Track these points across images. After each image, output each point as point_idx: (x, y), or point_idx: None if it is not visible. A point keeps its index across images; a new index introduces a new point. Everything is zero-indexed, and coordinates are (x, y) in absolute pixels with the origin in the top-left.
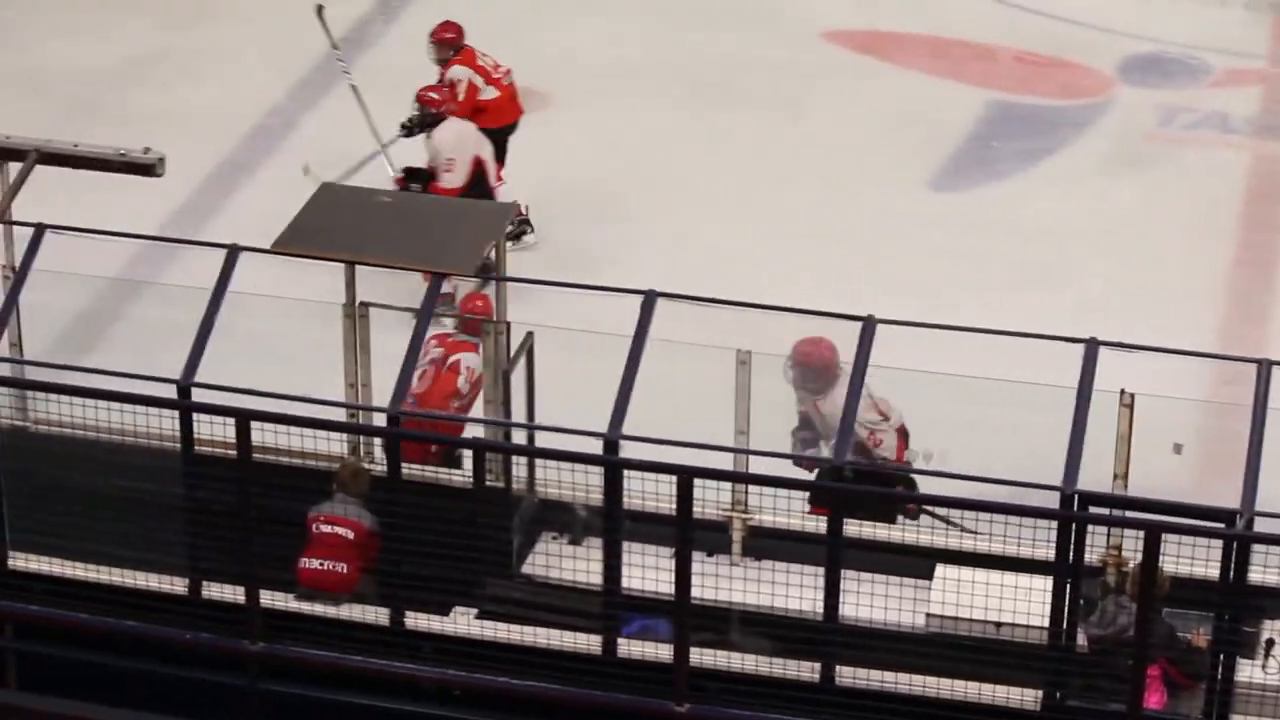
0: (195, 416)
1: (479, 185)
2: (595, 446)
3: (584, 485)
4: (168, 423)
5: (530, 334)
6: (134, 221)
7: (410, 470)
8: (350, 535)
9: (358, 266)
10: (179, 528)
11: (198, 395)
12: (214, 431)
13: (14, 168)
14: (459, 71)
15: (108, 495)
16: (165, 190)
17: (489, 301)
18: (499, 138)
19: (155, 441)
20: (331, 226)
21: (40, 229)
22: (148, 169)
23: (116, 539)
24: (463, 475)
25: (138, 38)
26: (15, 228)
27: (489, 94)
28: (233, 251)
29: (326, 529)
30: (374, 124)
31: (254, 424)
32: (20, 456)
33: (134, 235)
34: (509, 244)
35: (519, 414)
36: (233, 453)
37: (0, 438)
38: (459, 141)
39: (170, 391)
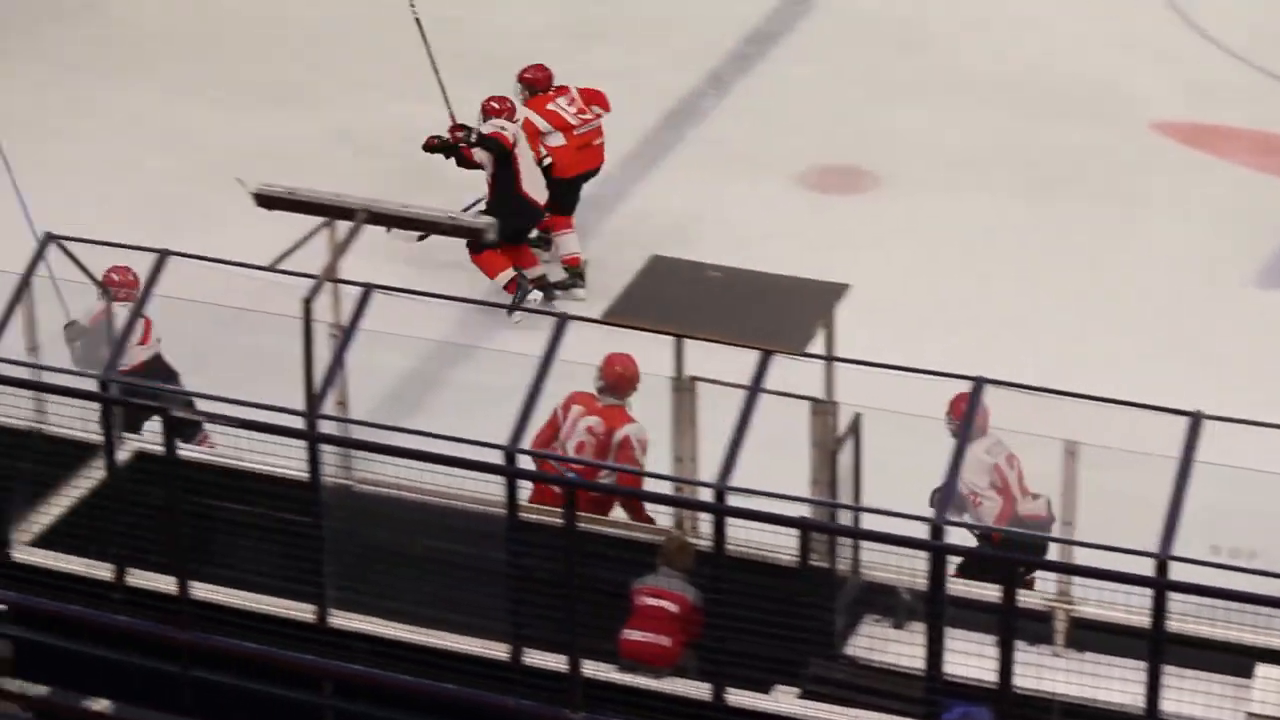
0: (519, 482)
1: (508, 186)
2: (919, 530)
3: (908, 569)
4: (492, 487)
5: (858, 415)
6: (462, 287)
7: (734, 546)
8: (674, 609)
9: (686, 340)
10: (501, 593)
11: (523, 462)
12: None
13: (343, 227)
14: (523, 111)
15: (430, 557)
16: None
17: (631, 360)
18: (568, 187)
19: (479, 506)
20: (662, 299)
21: (368, 289)
22: (477, 233)
23: (437, 601)
24: (790, 554)
25: (468, 104)
26: (343, 287)
27: (554, 140)
28: (561, 320)
29: (651, 601)
30: (436, 63)
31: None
32: (344, 515)
33: (462, 299)
34: (557, 292)
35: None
36: (557, 520)
37: (325, 495)
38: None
39: (496, 457)
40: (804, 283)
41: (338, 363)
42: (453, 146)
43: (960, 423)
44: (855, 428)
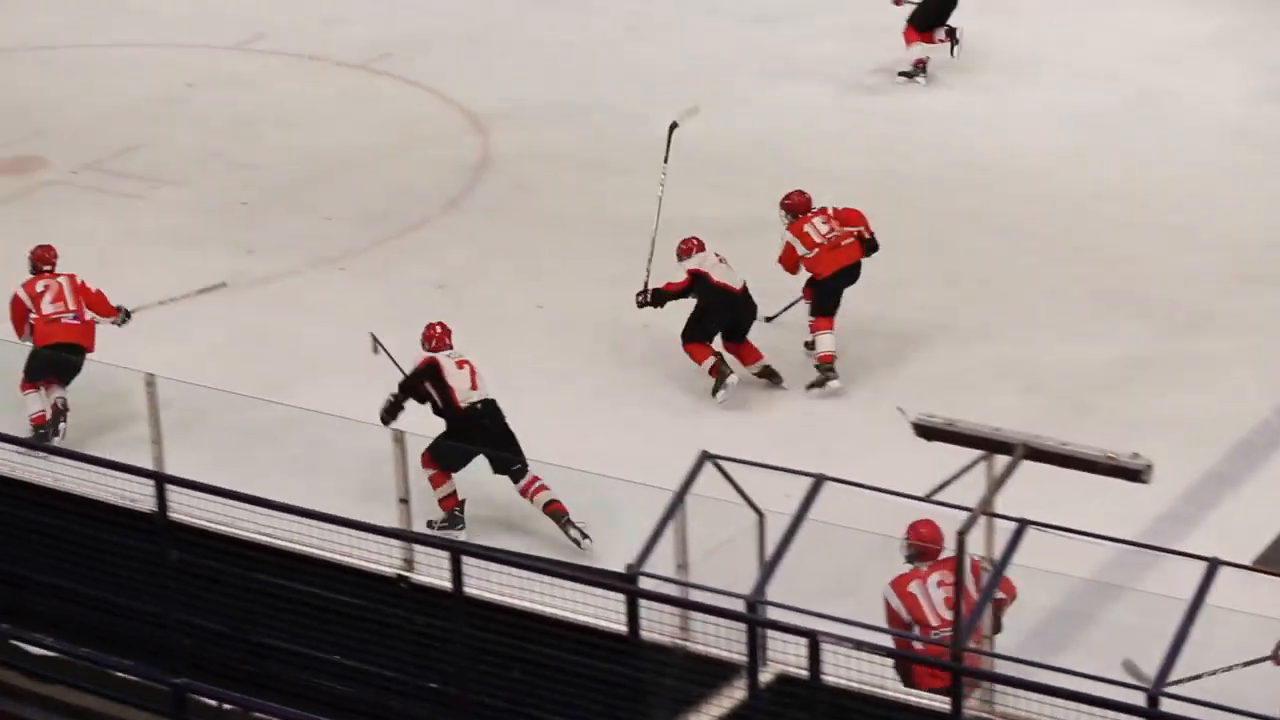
0: None
1: (705, 290)
2: None
3: None
4: None
5: None
6: (1114, 524)
7: None
8: None
9: None
10: None
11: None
12: None
13: (1001, 461)
14: (786, 235)
15: None
16: (1149, 496)
17: (934, 527)
18: (824, 289)
19: None
20: None
21: (1023, 524)
22: (1135, 474)
23: None
24: None
25: (1133, 341)
26: (997, 521)
27: (807, 253)
28: (1213, 565)
29: None
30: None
31: None
32: None
33: (1114, 539)
34: (814, 390)
35: None
36: None
37: None
38: (691, 259)
39: (1138, 699)
40: None
41: (985, 599)
42: (655, 300)
43: None
44: None
